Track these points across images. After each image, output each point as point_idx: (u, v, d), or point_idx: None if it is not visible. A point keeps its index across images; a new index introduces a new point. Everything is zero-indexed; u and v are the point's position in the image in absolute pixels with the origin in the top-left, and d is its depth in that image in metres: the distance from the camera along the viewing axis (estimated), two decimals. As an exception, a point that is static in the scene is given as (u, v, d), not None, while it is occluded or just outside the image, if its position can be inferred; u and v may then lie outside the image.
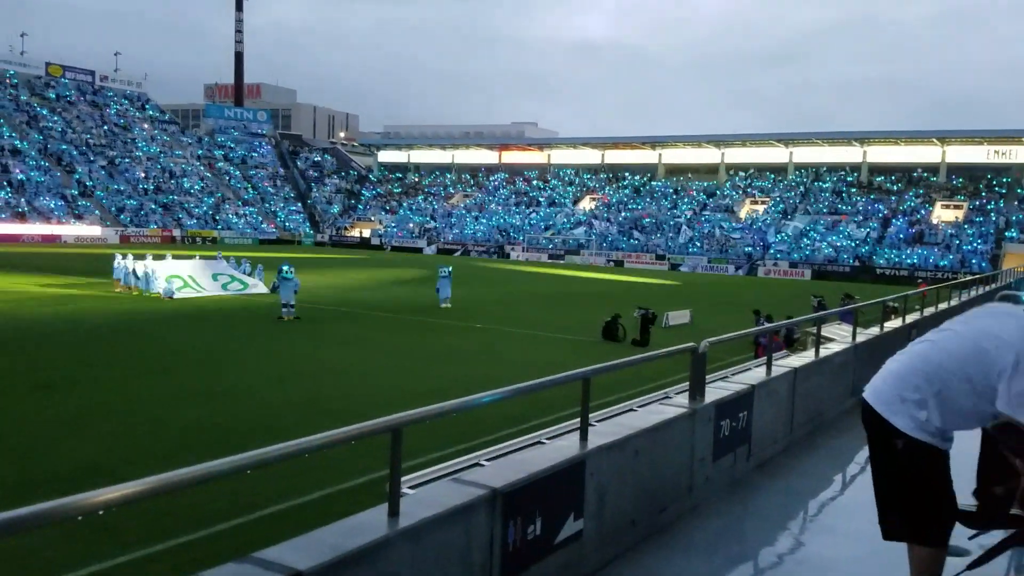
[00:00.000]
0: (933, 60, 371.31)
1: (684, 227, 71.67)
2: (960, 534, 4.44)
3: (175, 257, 31.73)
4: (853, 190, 72.33)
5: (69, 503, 2.35)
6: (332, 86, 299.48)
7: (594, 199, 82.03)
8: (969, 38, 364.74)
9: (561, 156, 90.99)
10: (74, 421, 11.39)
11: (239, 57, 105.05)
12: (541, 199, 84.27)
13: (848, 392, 9.90)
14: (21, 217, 65.97)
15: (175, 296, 27.06)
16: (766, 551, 5.48)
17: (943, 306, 16.59)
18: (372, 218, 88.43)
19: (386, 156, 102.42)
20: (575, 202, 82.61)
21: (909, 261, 59.98)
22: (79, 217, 69.78)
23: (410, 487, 4.76)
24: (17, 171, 70.80)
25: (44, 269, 37.70)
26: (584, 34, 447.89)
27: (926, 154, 72.18)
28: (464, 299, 29.14)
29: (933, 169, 71.75)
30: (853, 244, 64.07)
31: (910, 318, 13.51)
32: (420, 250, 77.30)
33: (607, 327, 21.79)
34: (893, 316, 13.62)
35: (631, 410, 7.47)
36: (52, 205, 69.31)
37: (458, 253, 73.46)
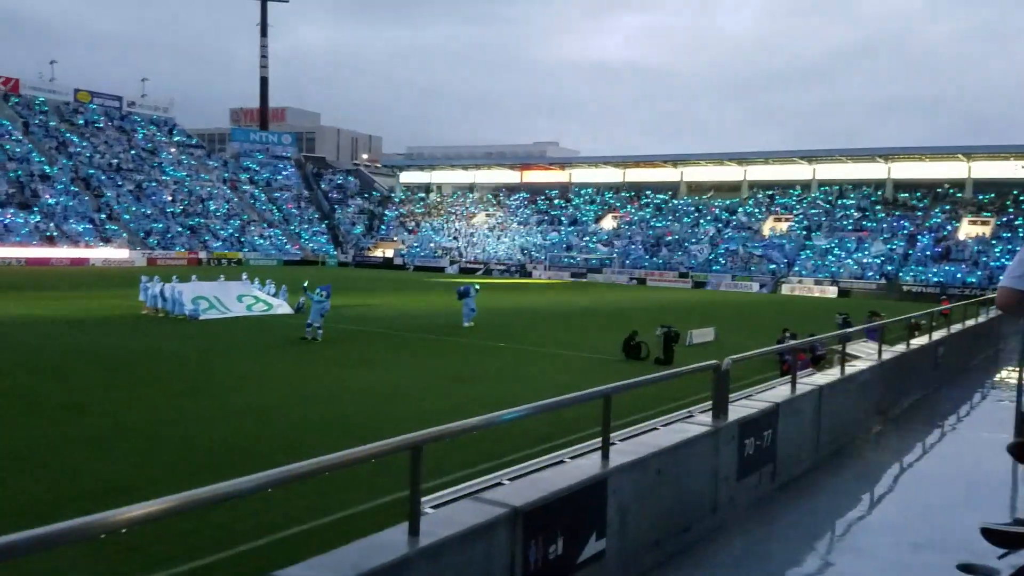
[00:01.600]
0: (960, 78, 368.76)
1: (707, 245, 71.41)
2: (989, 552, 4.36)
3: (200, 279, 32.08)
4: (878, 207, 71.74)
5: (93, 521, 2.38)
6: (355, 109, 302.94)
7: (616, 217, 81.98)
8: (996, 55, 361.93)
9: (582, 175, 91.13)
10: (102, 441, 11.50)
11: (264, 82, 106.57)
12: (563, 218, 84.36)
13: (874, 410, 9.78)
14: (50, 241, 67.07)
15: (201, 318, 27.33)
16: (792, 572, 5.41)
17: (970, 323, 16.37)
18: (395, 238, 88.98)
19: (408, 177, 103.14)
20: (597, 220, 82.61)
21: (936, 278, 59.28)
22: (107, 240, 70.82)
23: (432, 507, 4.76)
24: (47, 196, 72.06)
25: (72, 291, 38.25)
26: (604, 55, 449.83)
27: (952, 170, 71.50)
28: (487, 318, 29.17)
29: (959, 185, 71.02)
30: (878, 261, 63.47)
31: (937, 335, 13.34)
32: (442, 269, 77.57)
33: (627, 345, 21.71)
34: (916, 333, 13.46)
35: (653, 429, 7.42)
36: (80, 229, 70.42)
37: (480, 272, 73.62)
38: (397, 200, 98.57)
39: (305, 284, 26.21)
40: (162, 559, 7.16)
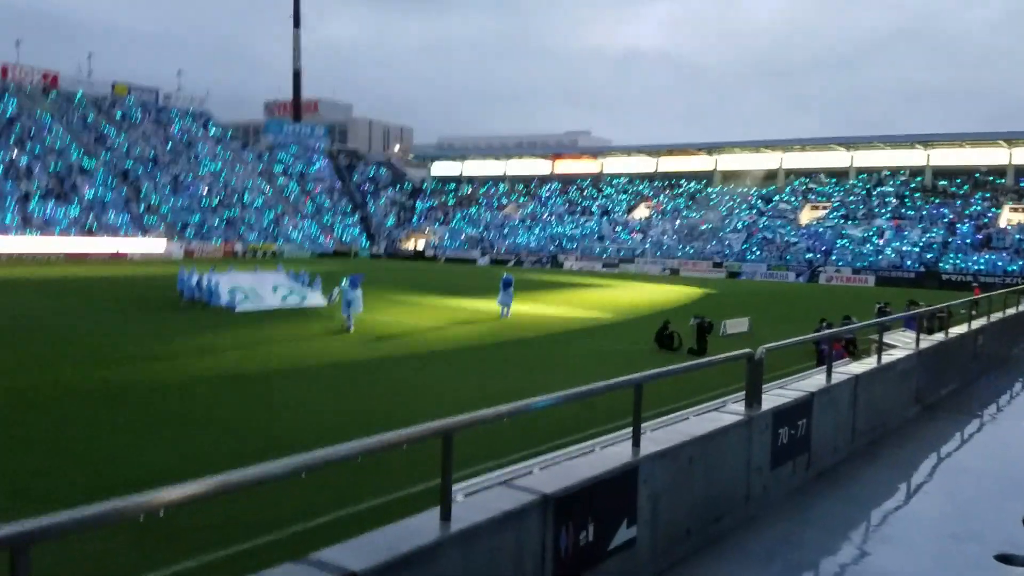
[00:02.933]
0: (998, 65, 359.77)
1: (742, 234, 70.72)
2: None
3: (237, 270, 32.51)
4: (917, 194, 70.48)
5: (132, 503, 2.43)
6: (387, 100, 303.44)
7: (648, 207, 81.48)
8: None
9: (614, 164, 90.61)
10: (143, 430, 11.71)
11: (297, 74, 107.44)
12: (595, 208, 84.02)
13: (912, 400, 9.64)
14: (90, 233, 68.33)
15: (237, 309, 27.70)
16: (826, 561, 5.37)
17: (1011, 311, 16.06)
18: (426, 230, 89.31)
19: (440, 168, 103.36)
20: (629, 210, 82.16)
21: (976, 267, 58.14)
22: (145, 232, 71.99)
23: (465, 494, 4.79)
24: (86, 188, 73.39)
25: (110, 282, 38.99)
26: (634, 43, 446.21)
27: (992, 156, 70.01)
28: (520, 309, 29.20)
29: (1000, 171, 69.51)
30: (917, 250, 62.41)
31: (976, 324, 13.10)
32: (474, 261, 77.72)
33: (660, 336, 21.61)
34: (938, 323, 13.24)
35: (686, 419, 7.39)
36: (119, 222, 71.65)
37: (511, 263, 73.67)
38: (428, 191, 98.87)
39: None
40: (202, 545, 7.30)
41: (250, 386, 15.25)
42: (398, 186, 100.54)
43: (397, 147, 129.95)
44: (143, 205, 76.04)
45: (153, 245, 70.54)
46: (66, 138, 78.54)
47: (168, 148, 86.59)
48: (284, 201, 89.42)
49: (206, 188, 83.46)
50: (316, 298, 30.61)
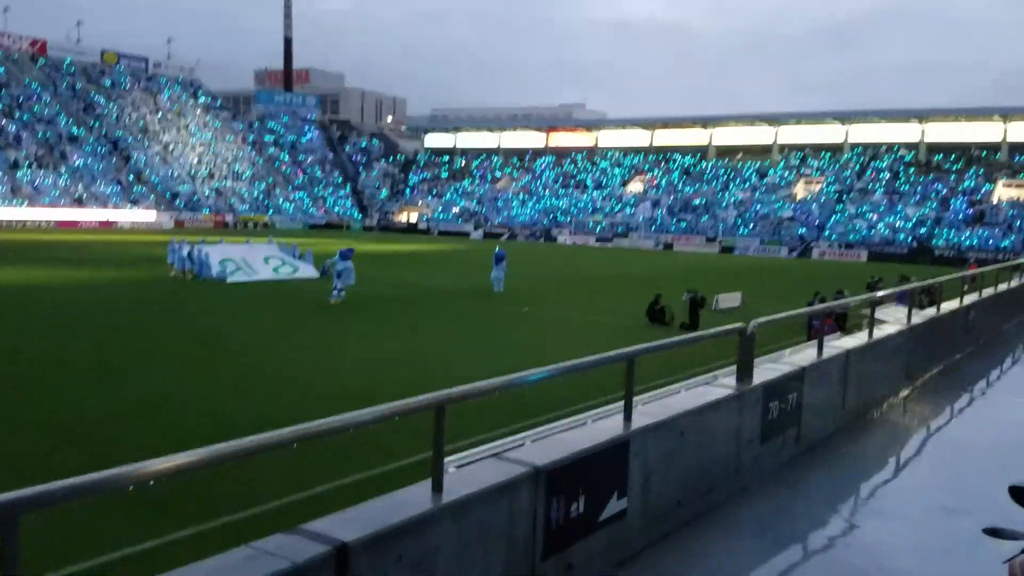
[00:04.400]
0: (996, 41, 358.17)
1: (734, 209, 70.67)
2: (1019, 517, 4.32)
3: (227, 242, 32.37)
4: (911, 169, 70.47)
5: (121, 473, 2.42)
6: (380, 70, 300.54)
7: (643, 181, 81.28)
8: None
9: (609, 138, 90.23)
10: (135, 410, 11.59)
11: (288, 42, 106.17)
12: (589, 182, 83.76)
13: (903, 375, 9.69)
14: (79, 203, 67.85)
15: (228, 280, 27.59)
16: (815, 533, 5.41)
17: (1003, 287, 16.12)
18: (419, 203, 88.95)
19: (433, 140, 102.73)
20: (623, 184, 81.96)
21: (968, 242, 58.33)
22: (134, 202, 71.53)
23: (456, 467, 4.79)
24: (75, 157, 72.75)
25: (100, 255, 38.79)
26: (629, 15, 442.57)
27: (987, 132, 69.98)
28: (514, 283, 29.18)
29: (994, 147, 69.51)
30: (910, 225, 62.52)
31: (968, 300, 13.14)
32: (467, 235, 77.55)
33: (652, 310, 21.63)
34: (925, 299, 13.28)
35: (677, 393, 7.41)
36: (108, 191, 71.13)
37: (505, 237, 73.54)
38: (421, 164, 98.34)
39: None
40: (193, 517, 7.31)
41: (242, 361, 15.21)
42: (391, 158, 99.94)
43: (390, 118, 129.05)
44: (133, 174, 75.46)
45: (143, 215, 70.14)
46: (55, 106, 77.72)
47: (158, 117, 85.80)
48: (275, 172, 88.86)
49: (196, 158, 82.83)
50: (308, 270, 30.54)
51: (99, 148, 75.97)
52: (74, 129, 76.31)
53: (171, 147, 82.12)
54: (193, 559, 2.75)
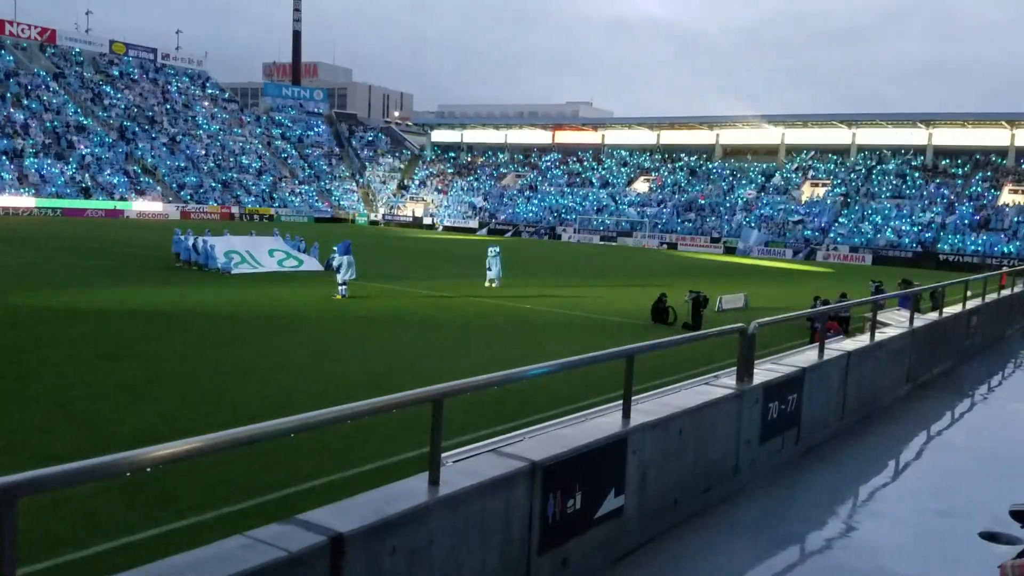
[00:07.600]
0: (1003, 43, 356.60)
1: (740, 210, 70.49)
2: (1015, 523, 4.32)
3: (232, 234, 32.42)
4: (917, 174, 70.25)
5: (120, 459, 2.43)
6: (387, 65, 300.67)
7: (648, 180, 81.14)
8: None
9: (615, 136, 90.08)
10: (137, 391, 11.69)
11: (296, 36, 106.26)
12: (594, 180, 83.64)
13: (904, 378, 9.68)
14: (86, 192, 67.97)
15: (233, 272, 27.65)
16: (813, 535, 5.41)
17: (1005, 293, 16.09)
18: (425, 198, 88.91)
19: (439, 136, 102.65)
20: (629, 183, 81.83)
21: (973, 247, 58.15)
22: (141, 193, 71.63)
23: (454, 461, 4.81)
24: (82, 147, 72.85)
25: (107, 245, 38.88)
26: (636, 12, 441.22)
27: (994, 137, 69.71)
28: (516, 279, 29.18)
29: (1002, 152, 69.26)
30: (916, 229, 62.33)
31: (971, 304, 13.11)
32: (473, 231, 77.48)
33: (656, 309, 21.62)
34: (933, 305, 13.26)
35: (677, 391, 7.41)
36: (116, 181, 71.23)
37: (510, 234, 73.44)
38: (428, 159, 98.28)
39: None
40: (194, 506, 7.34)
41: (246, 349, 15.26)
42: (397, 153, 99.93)
43: (397, 113, 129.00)
44: (140, 165, 75.54)
45: (150, 206, 70.25)
46: (63, 96, 77.83)
47: (166, 108, 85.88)
48: (282, 165, 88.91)
49: (203, 150, 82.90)
50: (313, 263, 30.57)
51: (106, 138, 76.06)
52: (82, 119, 76.41)
53: (179, 138, 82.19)
54: (188, 547, 2.76)
